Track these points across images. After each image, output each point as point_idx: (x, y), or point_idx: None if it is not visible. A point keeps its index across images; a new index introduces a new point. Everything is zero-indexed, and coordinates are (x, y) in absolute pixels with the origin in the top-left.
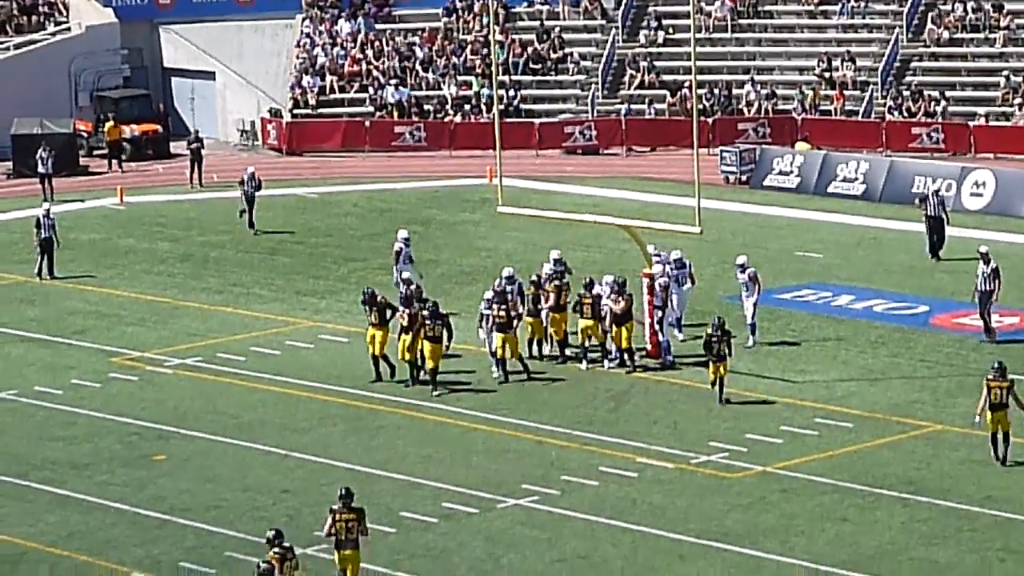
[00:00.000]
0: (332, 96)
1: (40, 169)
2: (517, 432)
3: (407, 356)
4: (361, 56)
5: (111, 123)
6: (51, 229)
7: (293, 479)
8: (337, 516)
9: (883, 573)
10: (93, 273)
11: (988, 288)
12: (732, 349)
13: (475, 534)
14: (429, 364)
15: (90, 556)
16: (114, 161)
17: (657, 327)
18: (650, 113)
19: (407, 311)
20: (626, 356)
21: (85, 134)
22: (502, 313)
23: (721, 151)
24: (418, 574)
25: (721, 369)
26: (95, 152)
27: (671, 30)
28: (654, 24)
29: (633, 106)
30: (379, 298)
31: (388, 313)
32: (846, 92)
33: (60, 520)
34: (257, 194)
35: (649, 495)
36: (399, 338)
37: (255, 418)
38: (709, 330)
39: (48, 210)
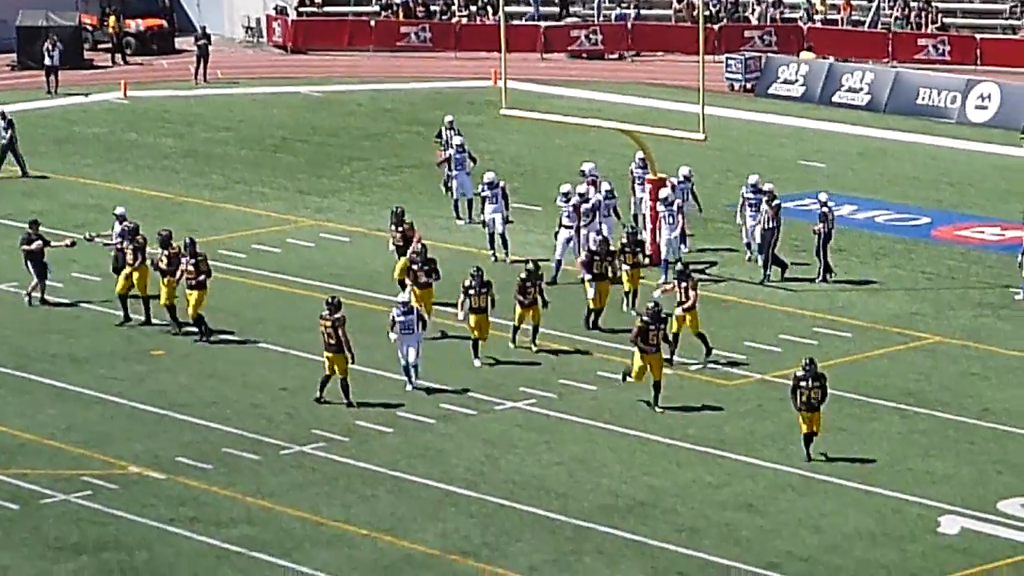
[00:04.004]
0: None
1: (46, 62)
2: (518, 335)
3: (168, 301)
4: None
5: (113, 18)
6: (9, 127)
7: (292, 377)
8: (321, 324)
9: (880, 483)
10: (96, 167)
11: (772, 225)
12: (827, 396)
13: (473, 436)
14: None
15: (87, 449)
16: (118, 55)
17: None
18: (630, 19)
19: (165, 253)
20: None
21: (90, 28)
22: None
23: (726, 58)
24: (416, 474)
25: (814, 423)
26: (100, 46)
27: None
28: None
29: (614, 10)
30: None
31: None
32: (853, 2)
33: (59, 413)
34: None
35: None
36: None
37: (255, 315)
38: (799, 372)
39: (3, 112)
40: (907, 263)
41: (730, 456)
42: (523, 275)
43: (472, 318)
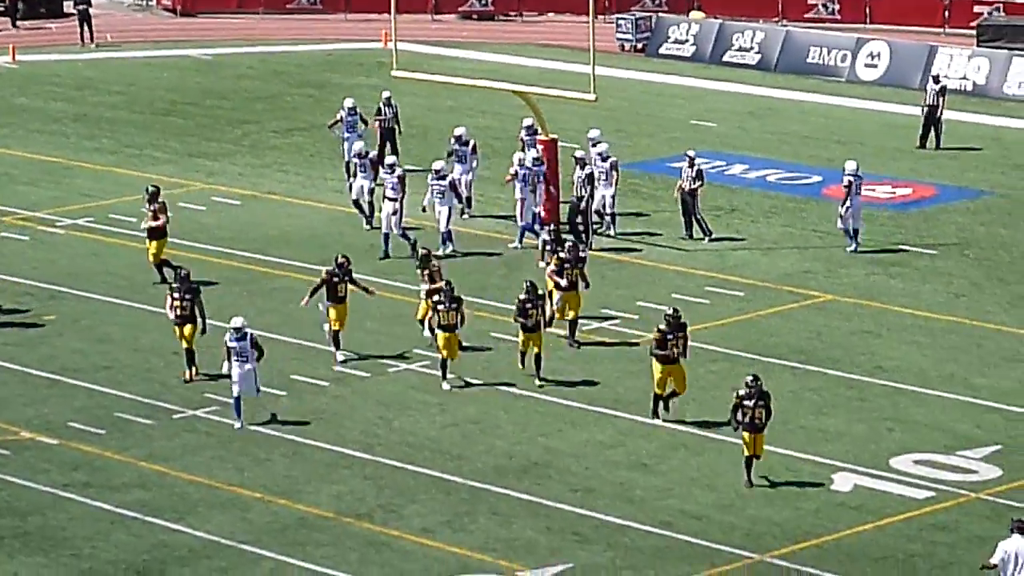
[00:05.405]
0: None
1: None
2: (411, 298)
3: None
4: None
5: None
6: None
7: None
8: (173, 298)
9: (773, 441)
10: None
11: (580, 194)
12: (771, 415)
13: (367, 398)
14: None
15: None
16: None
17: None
18: None
19: None
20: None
21: None
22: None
23: (617, 19)
24: (310, 437)
25: (758, 444)
26: None
27: None
28: None
29: None
30: None
31: None
32: None
33: None
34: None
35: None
36: None
37: (147, 279)
38: (742, 391)
39: None
40: (798, 221)
41: (624, 415)
42: (522, 296)
43: (440, 336)
